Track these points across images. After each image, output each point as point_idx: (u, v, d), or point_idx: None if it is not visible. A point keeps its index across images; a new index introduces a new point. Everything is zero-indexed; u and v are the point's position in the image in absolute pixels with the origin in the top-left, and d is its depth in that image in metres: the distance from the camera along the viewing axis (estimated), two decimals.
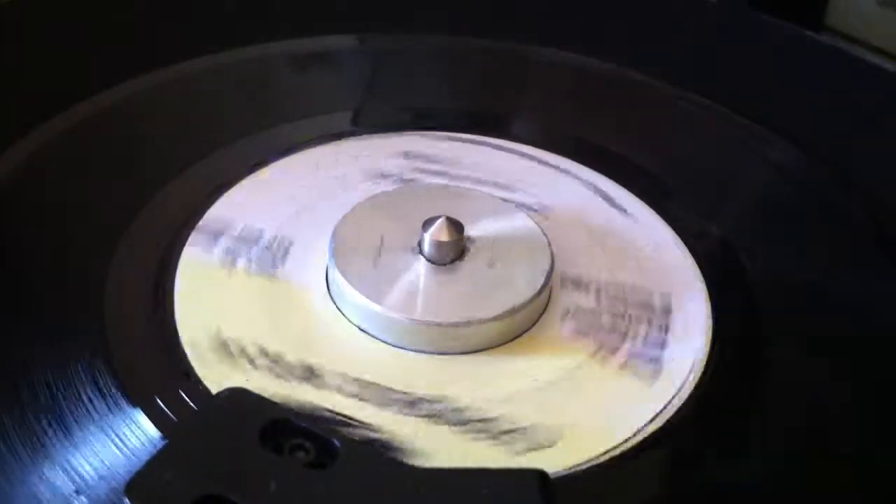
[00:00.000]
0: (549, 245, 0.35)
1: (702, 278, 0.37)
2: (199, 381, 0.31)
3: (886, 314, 0.36)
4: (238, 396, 0.26)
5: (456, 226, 0.34)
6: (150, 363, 0.32)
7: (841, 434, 0.32)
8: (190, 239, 0.37)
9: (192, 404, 0.30)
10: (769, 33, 0.52)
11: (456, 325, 0.33)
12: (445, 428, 0.31)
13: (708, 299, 0.36)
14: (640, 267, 0.37)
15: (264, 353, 0.32)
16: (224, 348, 0.32)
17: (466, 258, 0.34)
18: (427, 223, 0.34)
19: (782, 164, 0.43)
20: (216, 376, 0.31)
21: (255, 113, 0.43)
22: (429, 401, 0.31)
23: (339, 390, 0.31)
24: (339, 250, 0.34)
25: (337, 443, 0.25)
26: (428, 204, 0.36)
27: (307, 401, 0.31)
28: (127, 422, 0.30)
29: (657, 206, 0.40)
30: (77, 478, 0.28)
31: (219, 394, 0.28)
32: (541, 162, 0.42)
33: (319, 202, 0.39)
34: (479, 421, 0.31)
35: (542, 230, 0.36)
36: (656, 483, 0.31)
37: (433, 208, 0.35)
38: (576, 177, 0.41)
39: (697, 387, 0.33)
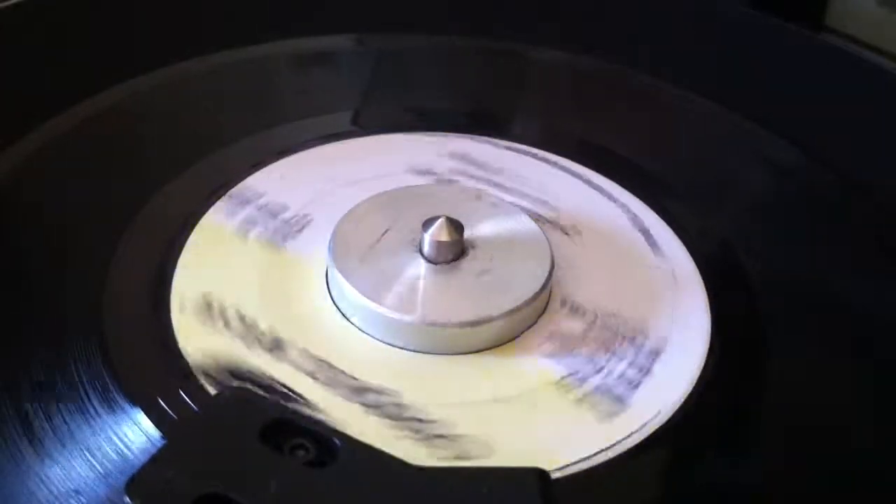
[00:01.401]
0: (550, 246, 0.35)
1: (702, 278, 0.37)
2: (172, 334, 0.32)
3: (886, 314, 0.36)
4: (239, 396, 0.26)
5: (456, 226, 0.34)
6: (150, 363, 0.32)
7: (841, 434, 0.32)
8: (217, 204, 0.38)
9: (191, 404, 0.30)
10: (769, 33, 0.52)
11: (435, 325, 0.33)
12: (378, 420, 0.31)
13: (709, 322, 0.35)
14: (650, 299, 0.36)
15: (241, 318, 0.33)
16: (207, 308, 0.34)
17: (466, 258, 0.34)
18: (427, 223, 0.34)
19: (782, 164, 0.43)
20: (186, 330, 0.33)
21: (256, 113, 0.43)
22: (375, 391, 0.32)
23: (296, 365, 0.32)
24: (339, 249, 0.34)
25: (337, 442, 0.25)
26: (428, 204, 0.36)
27: (257, 366, 0.32)
28: (127, 422, 0.30)
29: (658, 206, 0.40)
30: (77, 478, 0.28)
31: (220, 393, 0.28)
32: (587, 182, 0.41)
33: (354, 188, 0.39)
34: (416, 420, 0.31)
35: (550, 241, 0.36)
36: (655, 484, 0.31)
37: (433, 208, 0.35)
38: (611, 198, 0.40)
39: (697, 386, 0.32)
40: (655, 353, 0.34)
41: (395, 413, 0.31)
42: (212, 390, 0.31)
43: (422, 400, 0.31)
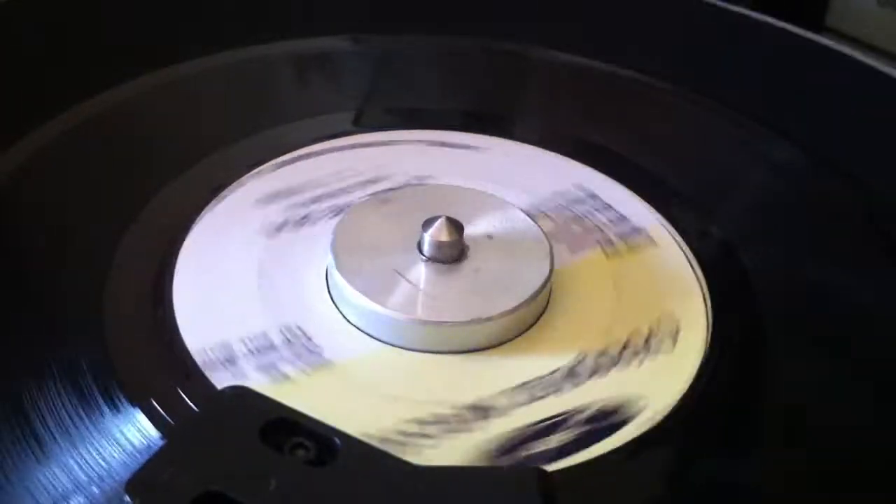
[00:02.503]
0: (550, 245, 0.35)
1: (702, 278, 0.37)
2: (172, 333, 0.33)
3: (886, 314, 0.36)
4: (239, 395, 0.26)
5: (456, 226, 0.34)
6: (150, 363, 0.32)
7: (841, 434, 0.32)
8: (251, 179, 0.39)
9: (191, 404, 0.30)
10: (769, 33, 0.52)
11: (447, 325, 0.33)
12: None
13: (709, 322, 0.35)
14: (650, 299, 0.36)
15: (241, 297, 0.34)
16: (208, 282, 0.35)
17: (466, 258, 0.34)
18: (427, 223, 0.34)
19: (782, 164, 0.43)
20: (183, 303, 0.34)
21: (256, 113, 0.43)
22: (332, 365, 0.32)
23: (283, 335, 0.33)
24: (340, 249, 0.34)
25: (337, 441, 0.25)
26: (428, 204, 0.36)
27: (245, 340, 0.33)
28: (127, 421, 0.30)
29: (658, 206, 0.40)
30: (77, 477, 0.28)
31: (220, 392, 0.28)
32: (586, 181, 0.41)
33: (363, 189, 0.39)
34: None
35: (548, 238, 0.36)
36: (655, 483, 0.31)
37: (433, 208, 0.35)
38: (610, 198, 0.40)
39: (697, 386, 0.32)
40: (653, 356, 0.34)
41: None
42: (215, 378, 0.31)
43: (398, 398, 0.32)
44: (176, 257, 0.36)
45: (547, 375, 0.33)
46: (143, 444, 0.29)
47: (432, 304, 0.33)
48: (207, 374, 0.32)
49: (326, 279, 0.35)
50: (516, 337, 0.34)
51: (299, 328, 0.33)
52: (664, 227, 0.39)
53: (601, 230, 0.38)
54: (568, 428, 0.31)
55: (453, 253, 0.34)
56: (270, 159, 0.40)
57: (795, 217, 0.41)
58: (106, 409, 0.30)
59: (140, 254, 0.36)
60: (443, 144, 0.43)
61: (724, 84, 0.47)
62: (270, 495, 0.24)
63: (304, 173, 0.40)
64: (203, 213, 0.38)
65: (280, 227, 0.37)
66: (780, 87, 0.48)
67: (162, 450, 0.25)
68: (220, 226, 0.37)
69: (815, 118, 0.45)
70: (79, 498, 0.28)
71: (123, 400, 0.30)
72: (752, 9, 0.54)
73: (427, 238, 0.34)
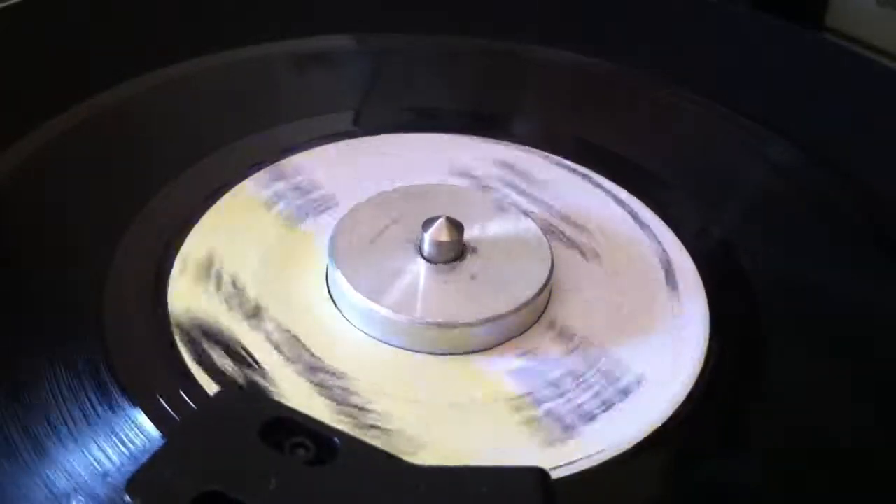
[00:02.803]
0: (549, 246, 0.35)
1: (702, 278, 0.37)
2: (173, 333, 0.33)
3: (886, 314, 0.36)
4: (239, 394, 0.26)
5: (456, 226, 0.34)
6: (150, 363, 0.32)
7: (841, 434, 0.32)
8: (255, 175, 0.39)
9: (191, 404, 0.30)
10: (769, 33, 0.52)
11: (446, 325, 0.33)
12: (323, 400, 0.31)
13: (709, 322, 0.35)
14: (650, 299, 0.36)
15: (234, 283, 0.35)
16: (206, 269, 0.35)
17: (466, 258, 0.34)
18: (427, 223, 0.34)
19: (782, 164, 0.43)
20: (178, 284, 0.34)
21: (256, 113, 0.43)
22: (330, 373, 0.32)
23: (266, 335, 0.33)
24: (339, 249, 0.34)
25: (337, 441, 0.25)
26: (428, 204, 0.36)
27: (228, 327, 0.33)
28: (127, 421, 0.30)
29: (657, 206, 0.40)
30: (77, 477, 0.28)
31: (220, 392, 0.28)
32: (626, 208, 0.40)
33: (390, 180, 0.39)
34: (356, 408, 0.31)
35: (548, 238, 0.36)
36: (655, 483, 0.31)
37: (433, 208, 0.35)
38: (609, 197, 0.40)
39: (696, 386, 0.32)
40: (625, 393, 0.33)
41: (340, 397, 0.31)
42: (185, 352, 0.32)
43: (373, 391, 0.32)
44: (176, 257, 0.36)
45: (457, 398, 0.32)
46: (143, 444, 0.29)
47: (432, 304, 0.33)
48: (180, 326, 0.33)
49: (326, 279, 0.35)
50: (516, 337, 0.34)
51: (285, 304, 0.34)
52: (664, 226, 0.39)
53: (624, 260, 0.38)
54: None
55: (453, 253, 0.34)
56: (270, 159, 0.40)
57: (795, 217, 0.41)
58: (106, 409, 0.30)
59: (140, 254, 0.36)
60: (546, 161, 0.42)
61: (724, 84, 0.47)
62: (270, 495, 0.24)
63: (393, 151, 0.41)
64: (203, 213, 0.38)
65: (336, 189, 0.39)
66: (780, 87, 0.48)
67: (162, 449, 0.25)
68: (288, 171, 0.38)
69: (815, 118, 0.45)
70: (79, 498, 0.28)
71: (123, 400, 0.30)
72: (752, 9, 0.54)
73: (427, 238, 0.34)
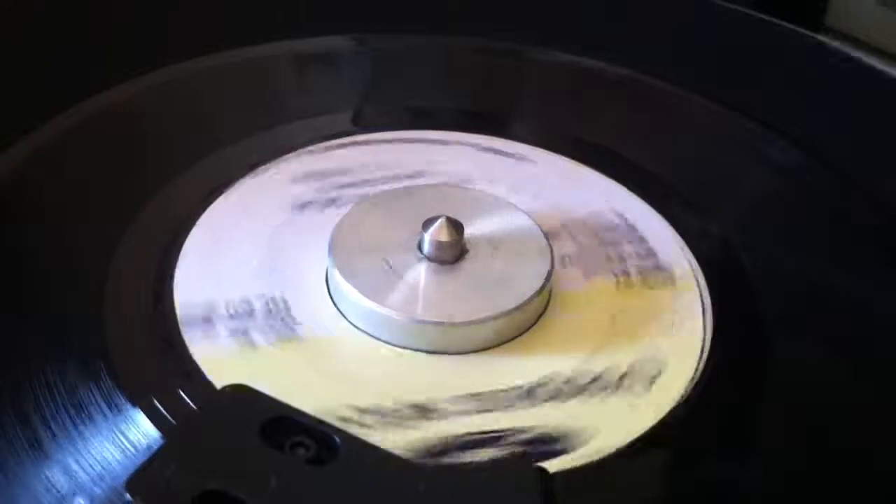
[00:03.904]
0: (549, 245, 0.35)
1: (702, 278, 0.37)
2: (173, 333, 0.33)
3: (886, 314, 0.36)
4: (239, 393, 0.26)
5: (456, 226, 0.34)
6: (150, 363, 0.32)
7: (841, 434, 0.32)
8: (221, 200, 0.39)
9: (191, 404, 0.30)
10: (769, 33, 0.52)
11: (448, 325, 0.33)
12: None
13: (709, 322, 0.35)
14: (649, 299, 0.36)
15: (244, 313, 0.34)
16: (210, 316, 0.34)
17: (466, 258, 0.34)
18: (427, 223, 0.34)
19: (782, 164, 0.43)
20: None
21: (255, 113, 0.43)
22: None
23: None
24: (339, 250, 0.34)
25: (337, 440, 0.25)
26: (428, 204, 0.36)
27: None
28: (127, 421, 0.30)
29: (657, 206, 0.40)
30: (77, 477, 0.28)
31: (220, 391, 0.28)
32: (625, 208, 0.40)
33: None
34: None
35: (548, 238, 0.36)
36: (655, 483, 0.31)
37: (433, 208, 0.35)
38: (609, 198, 0.40)
39: (696, 386, 0.32)
40: (652, 356, 0.33)
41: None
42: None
43: (393, 392, 0.32)
44: (176, 257, 0.36)
45: (504, 391, 0.32)
46: (143, 444, 0.29)
47: (432, 303, 0.33)
48: (183, 329, 0.33)
49: (326, 279, 0.35)
50: (517, 337, 0.34)
51: (284, 300, 0.34)
52: (664, 226, 0.39)
53: (624, 261, 0.37)
54: (502, 446, 0.30)
55: (453, 253, 0.34)
56: (270, 159, 0.40)
57: (795, 217, 0.41)
58: (106, 409, 0.30)
59: (140, 254, 0.36)
60: (487, 150, 0.42)
61: (724, 84, 0.47)
62: (271, 494, 0.24)
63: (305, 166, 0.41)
64: (203, 212, 0.38)
65: (300, 207, 0.38)
66: (780, 87, 0.48)
67: (162, 448, 0.25)
68: (222, 221, 0.38)
69: (815, 118, 0.45)
70: (79, 498, 0.28)
71: (123, 400, 0.30)
72: (753, 9, 0.54)
73: (427, 238, 0.34)
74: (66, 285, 0.35)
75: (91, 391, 0.30)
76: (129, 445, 0.29)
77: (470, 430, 0.30)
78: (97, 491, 0.28)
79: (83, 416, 0.30)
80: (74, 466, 0.29)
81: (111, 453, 0.29)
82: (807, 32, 0.52)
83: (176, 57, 0.46)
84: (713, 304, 0.35)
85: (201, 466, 0.24)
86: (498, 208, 0.37)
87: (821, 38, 0.52)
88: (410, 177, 0.40)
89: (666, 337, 0.34)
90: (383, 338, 0.33)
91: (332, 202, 0.39)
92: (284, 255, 0.36)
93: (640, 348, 0.34)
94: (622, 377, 0.33)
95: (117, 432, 0.29)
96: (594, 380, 0.33)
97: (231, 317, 0.33)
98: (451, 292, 0.33)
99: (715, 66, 0.49)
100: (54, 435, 0.29)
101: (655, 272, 0.37)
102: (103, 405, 0.30)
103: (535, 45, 0.49)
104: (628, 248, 0.38)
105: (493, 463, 0.29)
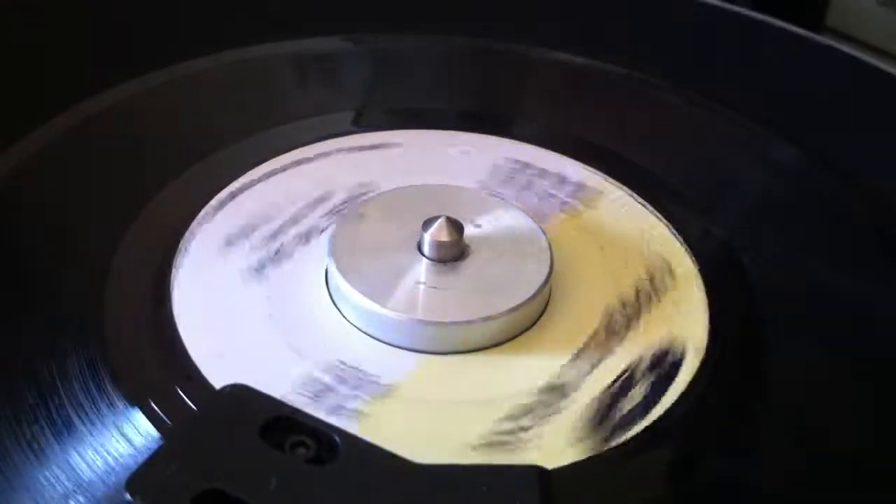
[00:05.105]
0: (549, 245, 0.35)
1: (702, 278, 0.37)
2: (173, 333, 0.32)
3: (886, 314, 0.36)
4: (239, 393, 0.26)
5: (456, 226, 0.34)
6: (150, 363, 0.32)
7: (841, 434, 0.32)
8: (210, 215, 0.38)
9: (191, 404, 0.30)
10: (769, 33, 0.52)
11: (449, 324, 0.33)
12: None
13: (709, 322, 0.35)
14: (649, 299, 0.36)
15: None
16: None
17: (466, 258, 0.34)
18: (427, 223, 0.34)
19: (782, 164, 0.43)
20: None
21: (255, 113, 0.43)
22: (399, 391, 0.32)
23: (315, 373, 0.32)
24: (339, 250, 0.34)
25: (338, 440, 0.25)
26: (428, 204, 0.36)
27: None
28: (126, 422, 0.30)
29: (657, 206, 0.40)
30: (77, 477, 0.28)
31: (220, 390, 0.28)
32: (585, 181, 0.41)
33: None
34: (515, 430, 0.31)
35: (547, 237, 0.36)
36: (654, 483, 0.31)
37: (433, 208, 0.35)
38: (609, 197, 0.40)
39: (696, 386, 0.32)
40: (656, 354, 0.34)
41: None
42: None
43: (441, 399, 0.32)
44: (176, 257, 0.36)
45: (590, 339, 0.33)
46: (143, 444, 0.29)
47: (433, 304, 0.33)
48: (183, 329, 0.33)
49: (326, 280, 0.35)
50: (518, 336, 0.34)
51: (311, 337, 0.33)
52: (664, 226, 0.39)
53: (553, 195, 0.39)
54: (639, 380, 0.32)
55: (453, 253, 0.34)
56: (270, 159, 0.40)
57: (795, 217, 0.41)
58: (106, 409, 0.30)
59: (140, 254, 0.36)
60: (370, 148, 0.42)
61: (724, 84, 0.47)
62: (271, 494, 0.24)
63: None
64: (203, 212, 0.38)
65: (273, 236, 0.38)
66: (780, 87, 0.48)
67: (162, 448, 0.25)
68: (216, 238, 0.37)
69: (815, 118, 0.45)
70: (79, 498, 0.28)
71: (123, 400, 0.30)
72: (753, 9, 0.54)
73: (427, 238, 0.34)
74: (66, 285, 0.35)
75: (91, 391, 0.30)
76: (128, 445, 0.29)
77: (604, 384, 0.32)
78: (97, 491, 0.28)
79: (83, 415, 0.30)
80: (74, 466, 0.29)
81: (111, 453, 0.29)
82: (807, 32, 0.52)
83: (176, 57, 0.46)
84: (713, 305, 0.35)
85: (201, 466, 0.24)
86: (498, 208, 0.37)
87: (821, 38, 0.52)
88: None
89: (665, 337, 0.34)
90: (383, 338, 0.33)
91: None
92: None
93: (640, 348, 0.34)
94: (622, 377, 0.33)
95: (117, 432, 0.29)
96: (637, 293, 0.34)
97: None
98: (450, 292, 0.33)
99: (715, 66, 0.49)
100: (54, 435, 0.29)
101: (655, 272, 0.37)
102: (103, 405, 0.30)
103: (534, 45, 0.49)
104: (631, 249, 0.38)
105: (493, 463, 0.29)
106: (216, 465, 0.24)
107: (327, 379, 0.32)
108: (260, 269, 0.36)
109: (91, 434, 0.29)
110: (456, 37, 0.50)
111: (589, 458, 0.30)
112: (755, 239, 0.39)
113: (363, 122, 0.44)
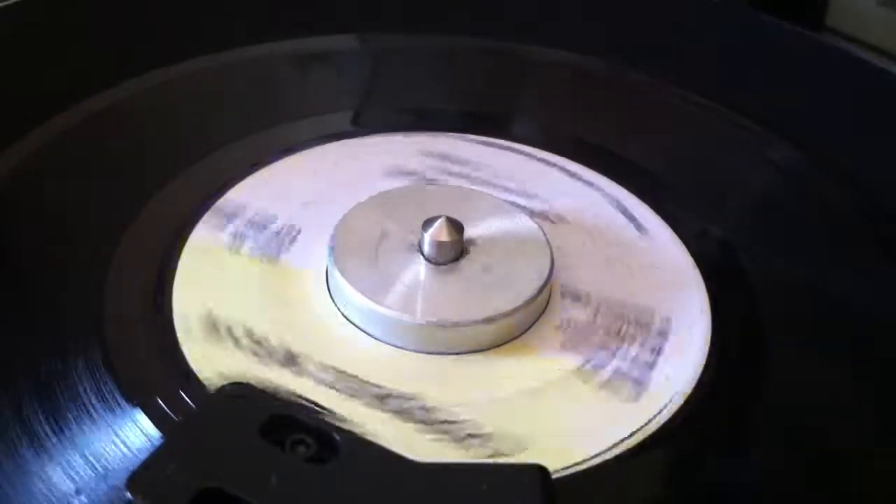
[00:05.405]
0: (549, 246, 0.35)
1: (702, 278, 0.37)
2: (182, 358, 0.32)
3: (886, 314, 0.36)
4: (239, 391, 0.26)
5: (456, 226, 0.34)
6: (150, 363, 0.32)
7: (841, 434, 0.32)
8: (203, 218, 0.37)
9: (191, 403, 0.30)
10: (769, 33, 0.52)
11: (447, 325, 0.33)
12: (411, 426, 0.30)
13: (709, 322, 0.35)
14: (646, 281, 0.36)
15: (250, 335, 0.33)
16: (213, 326, 0.33)
17: (466, 258, 0.34)
18: (427, 223, 0.34)
19: (782, 164, 0.43)
20: (198, 352, 0.32)
21: (255, 113, 0.43)
22: (398, 397, 0.31)
23: (315, 378, 0.32)
24: (339, 250, 0.34)
25: (338, 438, 0.25)
26: (428, 204, 0.36)
27: (282, 384, 0.31)
28: (127, 421, 0.30)
29: (657, 206, 0.40)
30: (77, 477, 0.28)
31: (220, 388, 0.28)
32: (560, 168, 0.41)
33: (335, 194, 0.39)
34: (447, 422, 0.31)
35: (547, 235, 0.36)
36: (655, 483, 0.31)
37: (433, 208, 0.35)
38: (595, 187, 0.41)
39: (696, 386, 0.32)
40: (663, 337, 0.34)
41: (424, 417, 0.31)
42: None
43: (447, 401, 0.31)
44: (176, 257, 0.36)
45: (590, 339, 0.34)
46: (143, 443, 0.29)
47: (434, 304, 0.33)
48: (182, 329, 0.33)
49: (327, 281, 0.35)
50: (511, 340, 0.34)
51: (310, 338, 0.33)
52: (663, 226, 0.39)
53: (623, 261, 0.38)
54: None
55: (453, 253, 0.34)
56: (270, 159, 0.40)
57: (795, 217, 0.41)
58: (106, 409, 0.30)
59: (140, 254, 0.36)
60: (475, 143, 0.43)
61: (724, 84, 0.47)
62: (271, 492, 0.24)
63: (321, 166, 0.41)
64: (203, 212, 0.38)
65: (291, 216, 0.38)
66: (780, 87, 0.48)
67: (163, 446, 0.25)
68: (234, 209, 0.38)
69: (815, 118, 0.45)
70: (79, 498, 0.28)
71: (123, 400, 0.30)
72: (752, 8, 0.54)
73: (427, 238, 0.34)
74: (66, 286, 0.35)
75: (91, 391, 0.30)
76: (129, 445, 0.29)
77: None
78: (97, 491, 0.28)
79: (83, 415, 0.30)
80: (74, 466, 0.29)
81: (111, 453, 0.29)
82: (807, 32, 0.52)
83: (176, 57, 0.46)
84: (713, 305, 0.35)
85: (201, 465, 0.24)
86: (498, 208, 0.37)
87: (821, 37, 0.52)
88: None
89: (665, 337, 0.34)
90: (382, 338, 0.33)
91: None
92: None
93: (640, 348, 0.34)
94: (622, 377, 0.33)
95: (117, 432, 0.29)
96: (594, 380, 0.33)
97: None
98: (450, 292, 0.33)
99: (715, 66, 0.49)
100: (54, 435, 0.29)
101: (654, 272, 0.37)
102: (103, 405, 0.30)
103: (534, 45, 0.49)
104: (630, 249, 0.38)
105: (494, 462, 0.29)
106: (216, 464, 0.24)
107: (327, 378, 0.32)
108: (260, 268, 0.36)
109: (91, 433, 0.29)
110: (455, 37, 0.50)
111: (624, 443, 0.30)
112: (755, 239, 0.39)
113: (362, 122, 0.44)
